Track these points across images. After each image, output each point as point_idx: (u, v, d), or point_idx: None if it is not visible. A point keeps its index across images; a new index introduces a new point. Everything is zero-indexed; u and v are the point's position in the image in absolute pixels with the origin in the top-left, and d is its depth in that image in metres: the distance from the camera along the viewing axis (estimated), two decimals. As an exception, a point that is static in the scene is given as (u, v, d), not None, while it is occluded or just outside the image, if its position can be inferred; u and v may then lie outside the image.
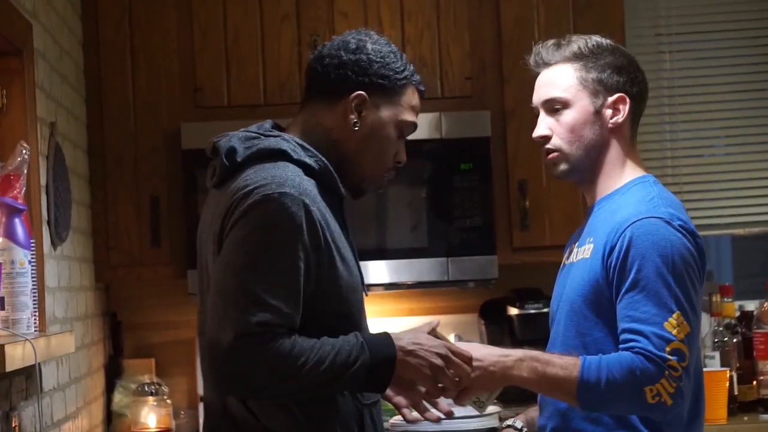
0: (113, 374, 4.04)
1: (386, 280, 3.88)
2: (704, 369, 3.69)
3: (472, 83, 3.97)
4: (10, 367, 2.23)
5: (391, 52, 2.42)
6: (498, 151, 3.94)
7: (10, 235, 2.47)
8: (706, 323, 3.88)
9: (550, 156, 2.49)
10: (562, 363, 2.31)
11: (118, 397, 3.97)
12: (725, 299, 3.89)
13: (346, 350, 2.22)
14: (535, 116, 2.54)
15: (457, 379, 2.31)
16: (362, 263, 3.75)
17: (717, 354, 3.78)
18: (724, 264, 7.64)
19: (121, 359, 4.10)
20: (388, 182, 2.50)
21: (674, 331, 2.25)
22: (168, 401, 3.90)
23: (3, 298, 2.44)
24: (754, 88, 4.41)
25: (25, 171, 2.56)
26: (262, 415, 2.28)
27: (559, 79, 2.47)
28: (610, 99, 2.44)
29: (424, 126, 3.85)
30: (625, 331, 2.30)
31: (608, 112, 2.45)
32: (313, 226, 2.24)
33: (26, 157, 2.55)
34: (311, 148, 2.35)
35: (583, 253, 2.44)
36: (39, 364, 2.46)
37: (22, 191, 2.54)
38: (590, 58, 2.45)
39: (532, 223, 3.95)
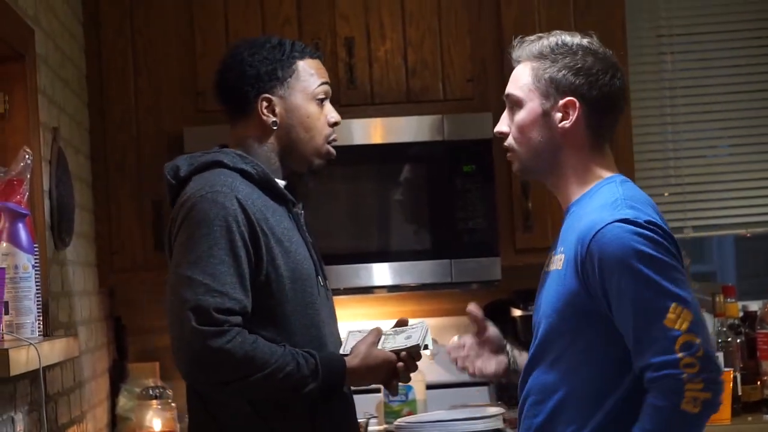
0: (118, 378, 4.04)
1: (389, 282, 3.88)
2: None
3: (473, 85, 3.97)
4: (14, 371, 2.24)
5: (267, 47, 2.59)
6: (500, 153, 3.87)
7: (14, 240, 2.47)
8: (710, 324, 3.88)
9: (507, 155, 2.46)
10: None
11: (123, 401, 3.97)
12: (728, 300, 3.89)
13: (303, 373, 2.41)
14: None
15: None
16: (365, 266, 3.85)
17: (721, 354, 3.77)
18: (727, 264, 7.63)
19: (126, 363, 4.10)
20: (334, 147, 2.66)
21: (676, 325, 2.17)
22: (173, 404, 3.90)
23: (7, 302, 2.44)
24: (757, 88, 4.41)
25: (28, 176, 2.56)
26: (216, 409, 2.48)
27: (519, 76, 2.42)
28: (560, 102, 2.35)
29: (426, 128, 3.86)
30: (637, 367, 2.22)
31: (557, 115, 2.36)
32: (248, 219, 2.44)
33: (29, 162, 2.55)
34: (249, 157, 2.56)
35: (556, 263, 2.36)
36: (43, 368, 2.46)
37: (25, 196, 2.55)
38: (549, 57, 2.37)
39: (535, 225, 3.95)
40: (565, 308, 2.30)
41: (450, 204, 3.87)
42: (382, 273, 3.87)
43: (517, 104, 2.40)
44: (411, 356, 2.55)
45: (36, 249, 2.58)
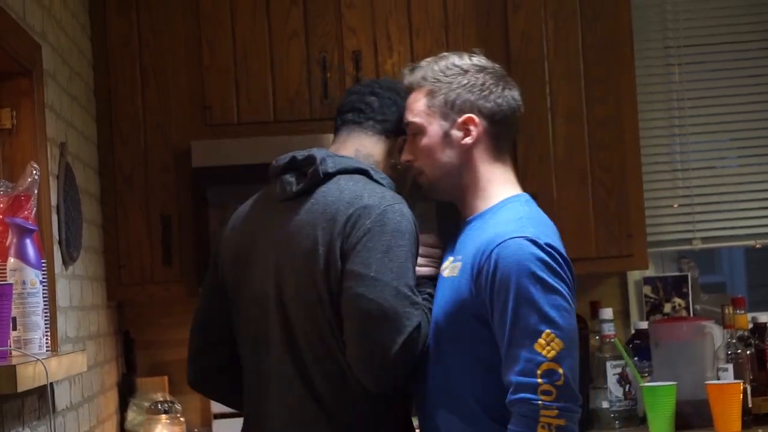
0: (126, 392, 4.04)
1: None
2: (718, 381, 3.70)
3: (481, 98, 3.96)
4: (21, 387, 2.24)
5: None
6: (508, 165, 3.93)
7: (22, 255, 2.47)
8: (719, 335, 3.87)
9: (416, 179, 2.53)
10: None
11: (132, 416, 3.97)
12: (738, 311, 3.87)
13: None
14: None
15: None
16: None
17: (730, 366, 3.77)
18: (737, 276, 7.62)
19: (134, 377, 4.10)
20: None
21: (544, 351, 2.25)
22: (181, 419, 3.90)
23: (15, 318, 2.44)
24: (766, 99, 4.40)
25: (36, 191, 2.56)
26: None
27: (413, 103, 2.51)
28: (459, 120, 2.45)
29: (434, 141, 3.86)
30: (504, 381, 2.31)
31: (458, 133, 2.45)
32: (417, 232, 2.48)
33: (36, 177, 2.56)
34: (382, 172, 2.55)
35: (452, 270, 2.44)
36: (52, 383, 2.46)
37: (33, 212, 2.55)
38: (442, 80, 2.46)
39: (543, 237, 3.94)
40: (456, 314, 2.38)
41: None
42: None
43: (419, 131, 2.49)
44: None
45: (44, 264, 2.58)
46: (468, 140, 2.45)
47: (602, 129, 4.00)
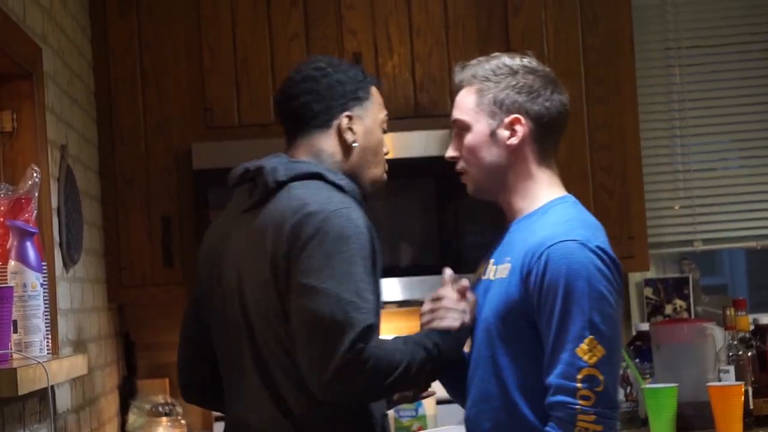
0: (127, 395, 4.04)
1: (399, 297, 3.87)
2: (719, 383, 3.69)
3: (482, 99, 3.96)
4: (22, 390, 2.24)
5: (347, 66, 2.60)
6: (509, 167, 3.93)
7: (22, 258, 2.47)
8: (720, 337, 3.87)
9: (461, 178, 2.52)
10: None
11: (133, 418, 3.97)
12: (739, 313, 3.86)
13: (427, 357, 2.40)
14: None
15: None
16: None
17: (731, 368, 3.76)
18: (738, 277, 7.61)
19: (135, 379, 4.10)
20: (387, 178, 2.65)
21: (586, 357, 2.26)
22: (182, 421, 3.90)
23: (15, 321, 2.44)
24: (767, 100, 4.40)
25: (36, 194, 2.56)
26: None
27: (462, 101, 2.50)
28: (506, 120, 2.44)
29: (434, 143, 3.86)
30: (546, 381, 2.30)
31: (504, 133, 2.44)
32: (371, 237, 2.42)
33: (37, 180, 2.56)
34: (340, 173, 2.51)
35: (501, 272, 2.43)
36: (52, 386, 2.46)
37: (34, 214, 2.55)
38: (492, 79, 2.45)
39: (544, 239, 3.94)
40: (507, 315, 2.37)
41: (458, 218, 3.87)
42: (392, 288, 3.86)
43: (465, 128, 2.48)
44: None
45: (44, 267, 2.58)
46: (513, 140, 2.44)
47: (603, 130, 4.00)
